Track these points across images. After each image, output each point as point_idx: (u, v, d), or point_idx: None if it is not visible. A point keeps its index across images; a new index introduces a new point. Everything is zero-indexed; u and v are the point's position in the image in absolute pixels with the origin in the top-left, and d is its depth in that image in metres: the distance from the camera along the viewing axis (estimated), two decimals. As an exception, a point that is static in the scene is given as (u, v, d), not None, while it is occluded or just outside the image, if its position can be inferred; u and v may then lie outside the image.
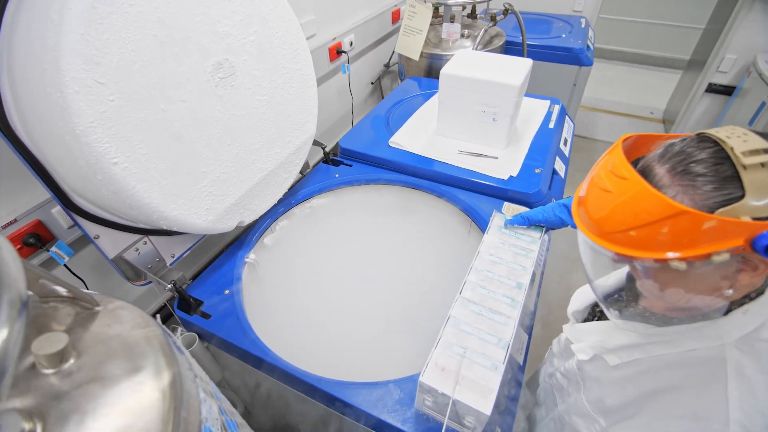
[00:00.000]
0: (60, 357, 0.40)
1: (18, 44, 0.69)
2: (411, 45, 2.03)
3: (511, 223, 0.99)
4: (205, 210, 0.94)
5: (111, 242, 0.94)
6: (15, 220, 0.89)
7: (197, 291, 1.03)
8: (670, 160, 0.49)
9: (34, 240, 0.92)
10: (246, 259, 1.14)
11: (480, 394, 0.67)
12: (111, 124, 0.71)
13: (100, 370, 0.42)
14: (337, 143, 1.53)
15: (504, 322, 0.78)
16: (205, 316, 0.97)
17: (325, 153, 1.47)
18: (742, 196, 0.44)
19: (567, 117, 1.76)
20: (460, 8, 1.93)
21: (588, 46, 2.39)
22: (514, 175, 1.31)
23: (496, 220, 1.02)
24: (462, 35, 2.00)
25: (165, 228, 0.90)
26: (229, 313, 0.97)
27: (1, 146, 0.79)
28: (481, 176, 1.31)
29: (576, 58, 2.29)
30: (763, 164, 0.44)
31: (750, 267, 0.47)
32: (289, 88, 1.13)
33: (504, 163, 1.37)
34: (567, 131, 1.68)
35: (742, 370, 0.52)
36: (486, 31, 1.94)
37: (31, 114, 0.72)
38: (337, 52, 1.91)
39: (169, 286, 0.97)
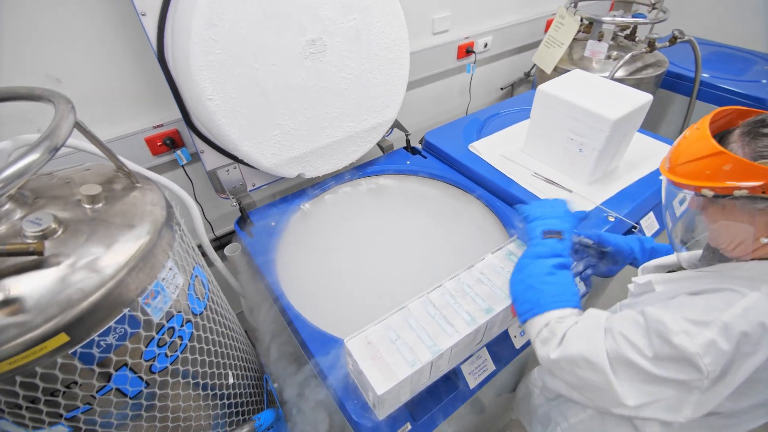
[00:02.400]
0: (92, 200, 0.64)
1: (181, 4, 0.99)
2: (548, 57, 1.92)
3: (578, 234, 0.96)
4: (271, 154, 1.17)
5: (210, 159, 1.26)
6: (162, 125, 1.27)
7: (255, 216, 1.29)
8: (747, 125, 0.60)
9: (169, 142, 1.29)
10: (301, 206, 1.35)
11: (384, 377, 0.72)
12: (214, 70, 0.97)
13: (111, 217, 0.65)
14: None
15: (450, 333, 0.80)
16: (250, 234, 1.22)
17: (407, 140, 1.58)
18: None
19: (700, 174, 1.46)
20: (613, 27, 1.73)
21: (795, 100, 1.85)
22: (579, 213, 1.20)
23: (511, 246, 0.98)
24: (609, 56, 1.80)
25: (240, 159, 1.16)
26: (266, 239, 1.20)
27: (159, 74, 1.14)
28: (540, 203, 1.24)
29: None
30: None
31: None
32: (377, 74, 1.27)
33: (576, 198, 1.26)
34: (689, 190, 1.40)
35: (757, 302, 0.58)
36: (634, 56, 1.70)
37: (176, 53, 1.02)
38: (466, 51, 1.95)
39: (235, 203, 1.25)
